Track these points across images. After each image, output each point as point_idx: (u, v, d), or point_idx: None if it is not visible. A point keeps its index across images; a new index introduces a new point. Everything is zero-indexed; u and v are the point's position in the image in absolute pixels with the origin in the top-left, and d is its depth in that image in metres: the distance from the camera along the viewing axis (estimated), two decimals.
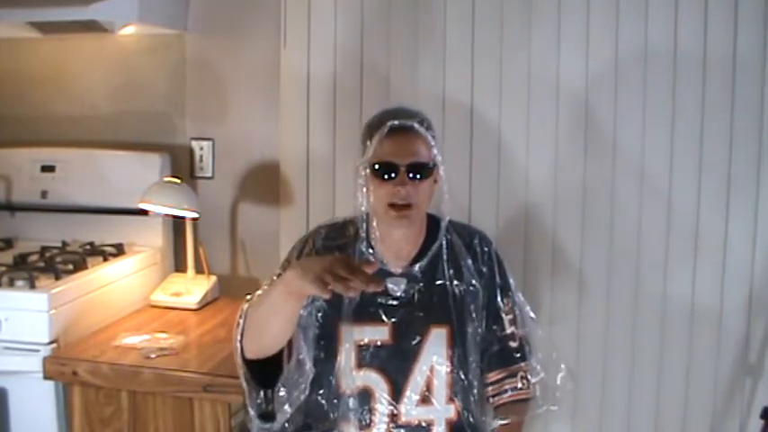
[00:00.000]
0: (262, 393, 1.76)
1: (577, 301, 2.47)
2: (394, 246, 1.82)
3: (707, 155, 2.34)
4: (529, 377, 1.87)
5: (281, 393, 1.73)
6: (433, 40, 2.49)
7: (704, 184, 2.35)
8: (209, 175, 2.81)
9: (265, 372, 1.73)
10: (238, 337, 1.70)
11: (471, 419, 1.82)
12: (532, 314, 1.93)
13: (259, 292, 1.75)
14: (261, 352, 1.69)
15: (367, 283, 1.39)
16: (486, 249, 1.89)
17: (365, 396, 1.77)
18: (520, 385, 1.86)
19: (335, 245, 1.84)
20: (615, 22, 2.35)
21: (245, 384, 1.76)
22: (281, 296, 1.54)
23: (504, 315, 1.87)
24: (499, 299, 1.87)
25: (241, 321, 1.70)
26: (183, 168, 2.80)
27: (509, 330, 1.87)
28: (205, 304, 2.61)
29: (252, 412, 1.77)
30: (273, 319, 1.61)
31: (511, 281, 1.91)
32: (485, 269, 1.87)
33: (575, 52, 2.39)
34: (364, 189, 1.77)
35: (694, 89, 2.33)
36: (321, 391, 1.79)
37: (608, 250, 2.44)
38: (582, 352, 2.47)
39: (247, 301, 1.74)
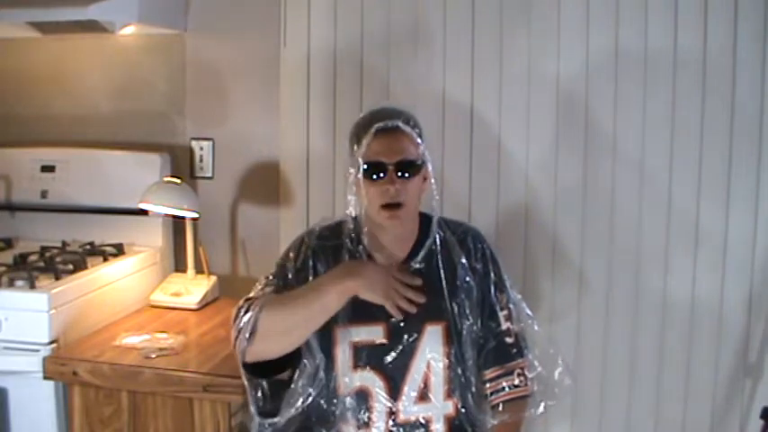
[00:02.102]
0: (259, 392, 1.79)
1: (577, 301, 2.47)
2: (387, 245, 1.83)
3: (707, 153, 2.34)
4: (526, 373, 1.86)
5: (300, 383, 1.77)
6: (432, 39, 2.49)
7: (704, 183, 2.35)
8: (209, 175, 2.81)
9: (264, 367, 1.76)
10: (244, 343, 1.71)
11: (470, 415, 1.83)
12: (529, 311, 1.92)
13: (251, 294, 1.78)
14: (273, 355, 1.74)
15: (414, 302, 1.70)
16: (479, 246, 1.89)
17: (363, 395, 1.78)
18: (517, 382, 1.85)
19: (330, 245, 1.84)
20: (615, 22, 2.35)
21: (246, 383, 1.79)
22: (333, 301, 1.68)
23: (499, 311, 1.86)
24: (494, 295, 1.86)
25: (247, 327, 1.70)
26: (183, 168, 2.80)
27: (504, 326, 1.86)
28: (205, 304, 2.61)
29: (252, 409, 1.79)
30: (313, 323, 1.71)
31: (505, 277, 1.91)
32: (479, 266, 1.87)
33: (574, 51, 2.39)
34: (354, 190, 1.78)
35: (694, 88, 2.33)
36: (320, 393, 1.79)
37: (608, 249, 2.44)
38: (582, 351, 2.47)
39: (247, 306, 1.74)
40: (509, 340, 1.86)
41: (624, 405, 2.46)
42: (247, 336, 1.70)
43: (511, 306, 1.89)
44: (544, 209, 2.47)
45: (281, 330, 1.71)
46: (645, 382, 2.44)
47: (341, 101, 2.57)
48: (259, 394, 1.80)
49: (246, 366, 1.76)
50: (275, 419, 1.79)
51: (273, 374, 1.80)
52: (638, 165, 2.39)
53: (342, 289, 1.68)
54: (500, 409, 1.83)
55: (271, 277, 1.84)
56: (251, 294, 1.81)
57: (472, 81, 2.47)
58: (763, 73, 2.28)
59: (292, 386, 1.79)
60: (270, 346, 1.72)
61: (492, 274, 1.88)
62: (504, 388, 1.84)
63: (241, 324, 1.71)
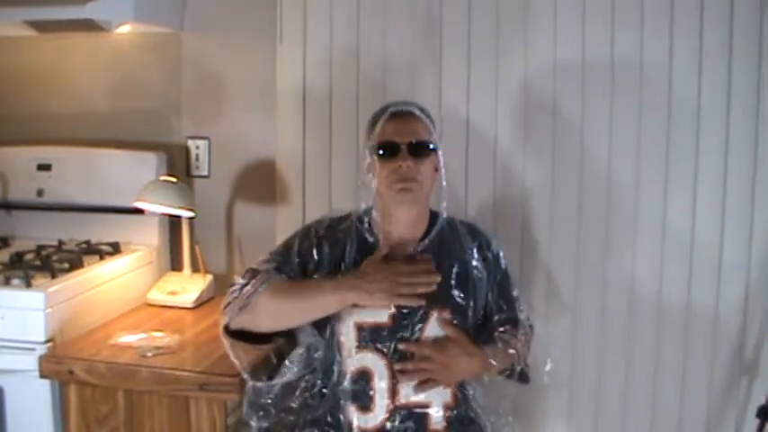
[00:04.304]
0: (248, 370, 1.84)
1: (573, 301, 2.47)
2: (397, 230, 1.85)
3: (703, 154, 2.34)
4: (531, 345, 1.94)
5: (293, 360, 1.85)
6: (429, 37, 2.48)
7: (700, 184, 2.35)
8: (206, 173, 2.81)
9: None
10: (235, 312, 1.76)
11: (469, 403, 1.86)
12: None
13: (254, 265, 1.83)
14: (259, 331, 1.79)
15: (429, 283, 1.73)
16: (489, 239, 1.94)
17: (364, 378, 1.79)
18: (522, 342, 1.90)
19: (338, 230, 1.87)
20: (611, 29, 2.35)
21: (232, 348, 1.82)
22: (331, 306, 1.74)
23: (510, 294, 1.93)
24: (503, 283, 1.93)
25: (241, 298, 1.76)
26: (179, 167, 2.80)
27: (515, 306, 1.93)
28: (201, 303, 2.61)
29: (245, 375, 1.84)
30: (306, 318, 1.79)
31: (513, 278, 1.97)
32: (489, 256, 1.91)
33: (570, 58, 2.39)
34: (369, 177, 1.82)
35: (689, 91, 2.33)
36: (320, 373, 1.83)
37: (604, 248, 2.44)
38: (577, 351, 2.47)
39: (249, 278, 1.79)
40: (521, 316, 1.93)
41: (620, 403, 2.46)
42: (240, 306, 1.75)
43: (518, 298, 1.95)
44: (540, 215, 2.47)
45: (274, 314, 1.76)
46: (641, 380, 2.44)
47: (337, 99, 2.57)
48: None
49: (230, 331, 1.80)
50: (266, 383, 1.85)
51: (256, 342, 1.82)
52: (634, 164, 2.39)
53: (341, 298, 1.72)
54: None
55: (275, 253, 1.88)
56: (253, 266, 1.84)
57: (468, 80, 2.47)
58: (759, 74, 2.28)
59: (286, 362, 1.85)
60: (258, 323, 1.77)
61: (503, 269, 1.94)
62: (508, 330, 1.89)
63: (237, 293, 1.77)
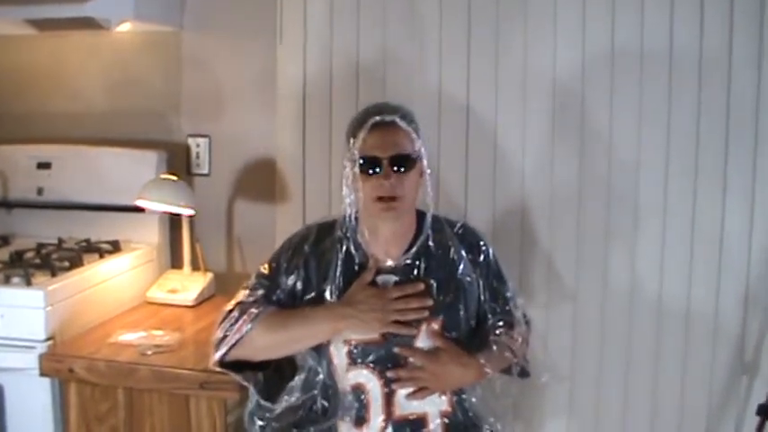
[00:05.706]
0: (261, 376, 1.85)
1: (573, 289, 2.47)
2: (384, 242, 1.83)
3: (702, 152, 2.34)
4: (529, 341, 1.93)
5: (298, 383, 1.85)
6: (428, 34, 2.48)
7: (700, 182, 2.35)
8: (206, 171, 2.81)
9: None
10: (226, 348, 1.78)
11: (466, 410, 1.84)
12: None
13: (241, 297, 1.83)
14: (253, 360, 1.82)
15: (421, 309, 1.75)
16: (480, 241, 1.91)
17: (359, 393, 1.78)
18: (519, 340, 1.88)
19: (324, 248, 1.84)
20: (611, 16, 2.35)
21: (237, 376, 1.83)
22: (323, 335, 1.77)
23: (504, 294, 1.90)
24: (497, 285, 1.90)
25: (233, 336, 1.77)
26: (180, 165, 2.80)
27: (510, 305, 1.90)
28: (201, 301, 2.61)
29: (252, 389, 1.85)
30: (299, 348, 1.82)
31: (504, 275, 1.94)
32: (480, 259, 1.88)
33: (570, 46, 2.39)
34: (350, 185, 1.78)
35: (690, 87, 2.33)
36: (319, 392, 1.82)
37: (604, 248, 2.44)
38: (578, 350, 2.47)
39: (239, 312, 1.79)
40: (517, 314, 1.91)
41: (620, 402, 2.46)
42: (233, 344, 1.77)
43: (512, 296, 1.92)
44: (540, 206, 2.47)
45: (268, 347, 1.79)
46: (641, 378, 2.44)
47: (337, 97, 2.57)
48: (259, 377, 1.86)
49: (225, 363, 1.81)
50: (272, 405, 1.84)
51: (253, 368, 1.84)
52: (633, 162, 2.39)
53: (333, 327, 1.75)
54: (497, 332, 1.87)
55: (262, 276, 1.86)
56: (240, 298, 1.83)
57: (468, 78, 2.47)
58: (759, 71, 2.28)
59: (291, 383, 1.84)
60: (254, 354, 1.80)
61: (494, 268, 1.91)
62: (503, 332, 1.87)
63: (228, 330, 1.78)
